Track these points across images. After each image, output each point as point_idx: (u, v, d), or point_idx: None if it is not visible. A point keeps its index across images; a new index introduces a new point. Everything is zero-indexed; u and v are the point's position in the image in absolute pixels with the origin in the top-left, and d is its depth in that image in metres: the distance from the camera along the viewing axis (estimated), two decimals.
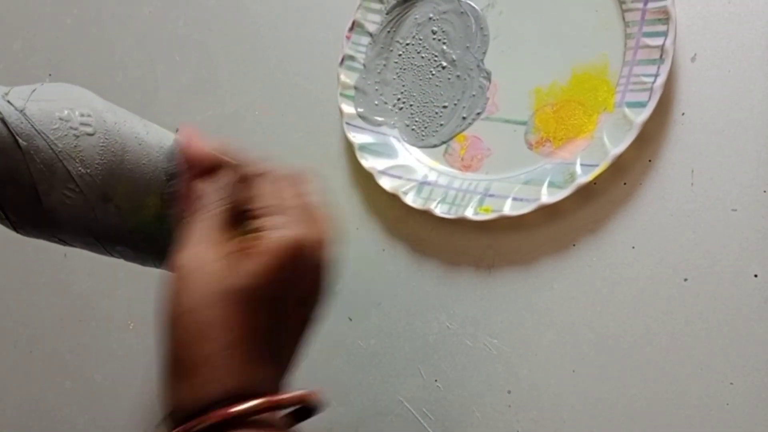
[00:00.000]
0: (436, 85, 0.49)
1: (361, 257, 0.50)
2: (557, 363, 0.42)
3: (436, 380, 0.46)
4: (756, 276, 0.38)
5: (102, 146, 0.33)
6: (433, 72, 0.49)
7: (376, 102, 0.50)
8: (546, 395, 0.42)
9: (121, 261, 0.39)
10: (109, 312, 0.60)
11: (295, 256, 0.31)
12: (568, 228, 0.43)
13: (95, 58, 0.66)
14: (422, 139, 0.49)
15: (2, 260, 0.67)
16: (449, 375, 0.45)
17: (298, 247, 0.31)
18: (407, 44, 0.50)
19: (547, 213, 0.44)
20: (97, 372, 0.59)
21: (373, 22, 0.51)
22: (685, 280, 0.40)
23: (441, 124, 0.48)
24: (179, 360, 0.29)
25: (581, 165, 0.42)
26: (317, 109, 0.54)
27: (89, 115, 0.33)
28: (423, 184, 0.47)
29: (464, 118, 0.47)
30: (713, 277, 0.39)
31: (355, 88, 0.51)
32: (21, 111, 0.31)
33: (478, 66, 0.47)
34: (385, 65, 0.51)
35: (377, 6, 0.51)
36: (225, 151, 0.37)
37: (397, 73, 0.50)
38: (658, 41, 0.40)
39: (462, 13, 0.48)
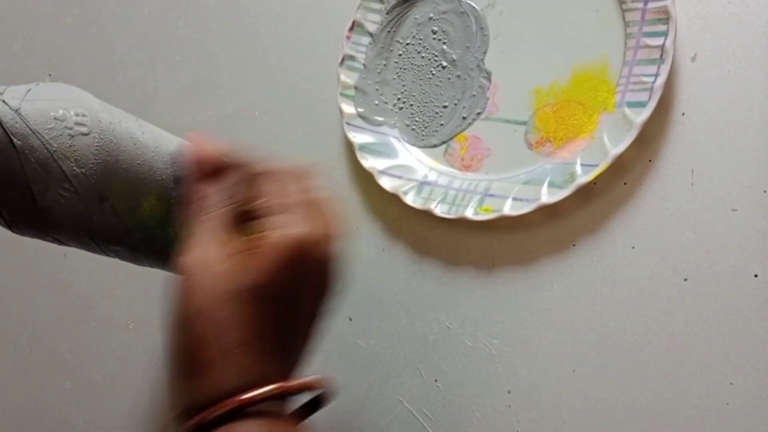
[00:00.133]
0: (437, 85, 0.49)
1: (361, 257, 0.50)
2: (557, 363, 0.42)
3: (436, 380, 0.46)
4: (756, 276, 0.38)
5: (97, 146, 0.33)
6: (433, 72, 0.49)
7: (376, 102, 0.50)
8: (546, 395, 0.42)
9: (121, 261, 0.39)
10: (109, 312, 0.60)
11: (301, 254, 0.32)
12: (568, 228, 0.43)
13: (95, 58, 0.66)
14: (422, 139, 0.49)
15: (2, 260, 0.67)
16: (449, 375, 0.45)
17: (302, 244, 0.32)
18: (407, 44, 0.50)
19: (547, 213, 0.44)
20: (97, 372, 0.59)
21: (373, 22, 0.51)
22: (685, 280, 0.40)
23: (441, 124, 0.48)
24: (192, 359, 0.30)
25: (581, 165, 0.42)
26: (317, 109, 0.54)
27: (84, 115, 0.33)
28: (423, 184, 0.47)
29: (464, 118, 0.47)
30: (713, 277, 0.39)
31: (355, 88, 0.51)
32: (16, 110, 0.30)
33: (478, 66, 0.47)
34: (385, 65, 0.51)
35: (377, 6, 0.51)
36: (229, 152, 0.37)
37: (397, 73, 0.50)
38: (658, 41, 0.40)
39: (462, 13, 0.48)
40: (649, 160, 0.42)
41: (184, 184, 0.36)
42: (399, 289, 0.48)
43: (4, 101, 0.31)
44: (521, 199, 0.43)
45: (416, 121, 0.49)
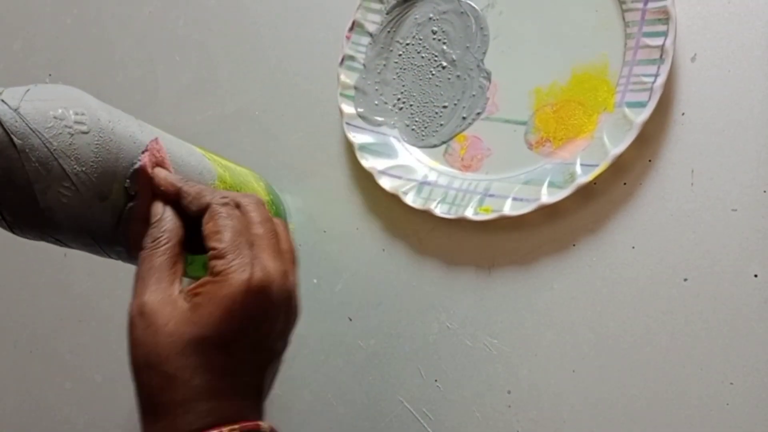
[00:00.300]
0: (436, 85, 0.49)
1: (361, 257, 0.50)
2: (557, 363, 0.42)
3: (436, 380, 0.46)
4: (756, 276, 0.38)
5: (97, 144, 0.33)
6: (433, 72, 0.49)
7: (376, 102, 0.50)
8: (546, 395, 0.42)
9: (121, 261, 0.39)
10: (109, 312, 0.60)
11: (256, 298, 0.32)
12: (568, 228, 0.43)
13: (95, 58, 0.66)
14: (422, 139, 0.49)
15: (2, 260, 0.67)
16: (449, 375, 0.45)
17: (257, 288, 0.31)
18: (407, 44, 0.50)
19: (547, 213, 0.44)
20: (97, 372, 0.59)
21: (373, 22, 0.51)
22: (685, 280, 0.40)
23: (441, 124, 0.48)
24: (154, 404, 0.31)
25: (581, 165, 0.42)
26: (317, 109, 0.54)
27: (83, 114, 0.33)
28: (423, 184, 0.47)
29: (464, 118, 0.47)
30: (713, 277, 0.39)
31: (355, 88, 0.51)
32: (15, 110, 0.30)
33: (478, 66, 0.47)
34: (385, 65, 0.51)
35: (377, 6, 0.51)
36: (185, 179, 0.37)
37: (397, 73, 0.50)
38: (658, 41, 0.40)
39: (462, 13, 0.48)
40: (649, 160, 0.42)
41: (138, 203, 0.35)
42: (399, 289, 0.48)
43: (3, 101, 0.31)
44: (521, 199, 0.43)
45: (416, 121, 0.49)
